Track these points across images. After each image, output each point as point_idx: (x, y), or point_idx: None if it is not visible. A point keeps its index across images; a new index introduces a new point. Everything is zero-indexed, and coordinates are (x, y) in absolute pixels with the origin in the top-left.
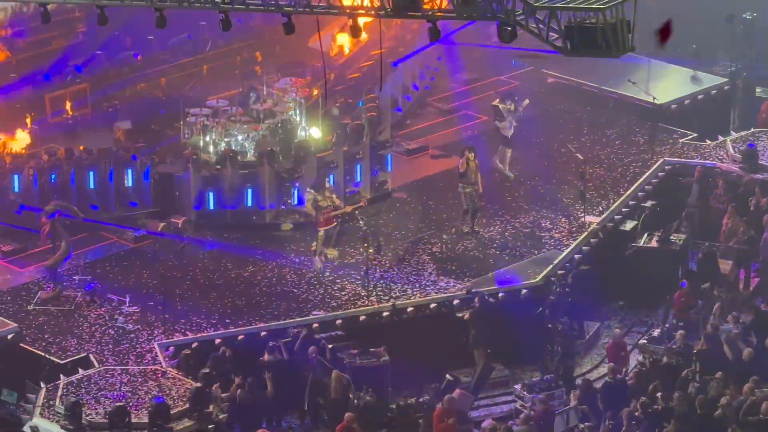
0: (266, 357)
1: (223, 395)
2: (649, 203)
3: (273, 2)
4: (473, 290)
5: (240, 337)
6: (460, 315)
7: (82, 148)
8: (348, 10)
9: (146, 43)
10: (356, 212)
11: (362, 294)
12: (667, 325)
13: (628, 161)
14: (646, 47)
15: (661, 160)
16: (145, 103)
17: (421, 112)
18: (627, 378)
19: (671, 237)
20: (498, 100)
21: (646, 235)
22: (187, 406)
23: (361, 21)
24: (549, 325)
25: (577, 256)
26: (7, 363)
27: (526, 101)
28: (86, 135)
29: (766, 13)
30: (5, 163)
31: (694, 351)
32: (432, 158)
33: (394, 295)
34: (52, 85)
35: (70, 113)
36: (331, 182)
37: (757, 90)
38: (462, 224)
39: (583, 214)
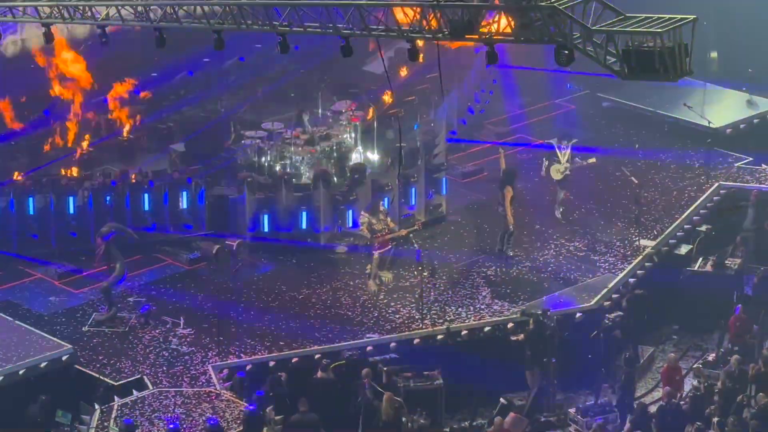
0: (320, 374)
1: (276, 418)
2: (704, 227)
3: (330, 25)
4: (531, 312)
5: (294, 360)
6: (514, 338)
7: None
8: (406, 33)
9: (202, 64)
10: (411, 235)
11: (416, 317)
12: (722, 350)
13: (683, 185)
14: (703, 71)
15: (717, 184)
16: (201, 125)
17: (477, 135)
18: (682, 402)
19: (726, 261)
20: (556, 139)
21: (701, 259)
22: (241, 428)
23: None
24: (608, 351)
25: (631, 280)
26: (61, 384)
27: (593, 159)
28: (142, 157)
29: None
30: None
31: (750, 375)
32: (487, 181)
33: (448, 318)
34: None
35: (126, 135)
36: (386, 205)
37: None
38: (506, 247)
39: (637, 238)
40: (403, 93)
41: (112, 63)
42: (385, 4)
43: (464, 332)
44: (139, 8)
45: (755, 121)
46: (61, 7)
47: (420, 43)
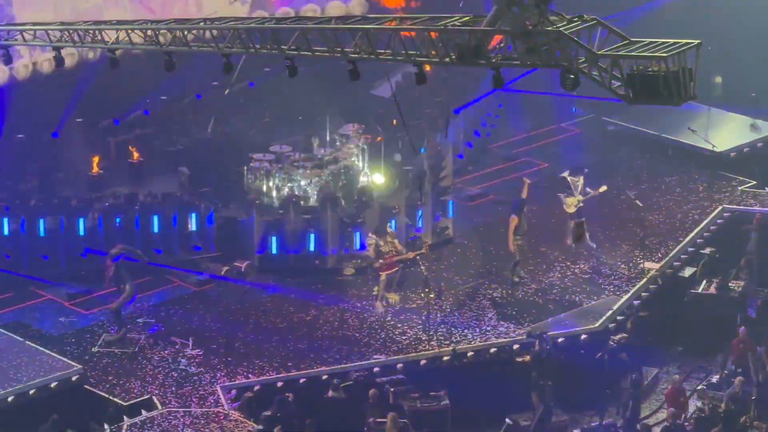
0: (330, 394)
1: None
2: (708, 250)
3: (338, 49)
4: (533, 335)
5: (302, 380)
6: (520, 359)
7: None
8: (413, 58)
9: (209, 88)
10: (418, 257)
11: (423, 338)
12: (725, 371)
13: (687, 208)
14: (707, 95)
15: (720, 207)
16: (209, 148)
17: (483, 158)
18: (686, 424)
19: (730, 284)
20: (568, 172)
21: (705, 281)
22: None
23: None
24: (613, 372)
25: (636, 302)
26: (71, 404)
27: (604, 187)
28: (151, 179)
29: None
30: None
31: (753, 397)
32: (493, 204)
33: (454, 340)
34: (119, 129)
35: (136, 157)
36: (393, 227)
37: None
38: (512, 274)
39: (642, 261)
40: (411, 116)
41: (122, 85)
42: (393, 28)
43: (470, 353)
44: (149, 32)
45: (759, 144)
46: (71, 31)
47: (427, 67)
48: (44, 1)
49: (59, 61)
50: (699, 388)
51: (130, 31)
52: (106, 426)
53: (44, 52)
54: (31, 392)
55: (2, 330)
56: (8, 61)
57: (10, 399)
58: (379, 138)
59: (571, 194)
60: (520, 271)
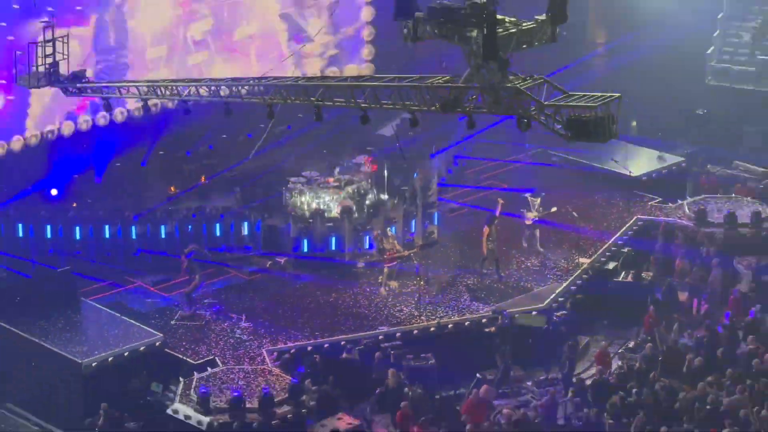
0: (344, 356)
1: (313, 388)
2: (626, 249)
3: (352, 100)
4: (497, 311)
5: (326, 345)
6: (487, 330)
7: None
8: (408, 107)
9: (258, 129)
10: (411, 254)
11: (415, 314)
12: (639, 339)
13: (610, 218)
14: (625, 134)
15: (635, 218)
16: (258, 173)
17: (461, 181)
18: (609, 378)
19: (642, 274)
20: (530, 195)
21: (623, 272)
22: (287, 395)
23: None
24: (555, 340)
25: (573, 288)
26: (155, 363)
27: (554, 209)
28: (214, 197)
29: (723, 109)
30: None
31: (659, 359)
32: (466, 216)
33: (438, 315)
34: (190, 159)
35: (203, 180)
36: (393, 232)
37: (708, 166)
38: (482, 268)
39: (577, 257)
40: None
41: (192, 127)
42: (393, 85)
43: (450, 326)
44: (212, 87)
45: (664, 171)
46: (155, 87)
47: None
48: (158, 59)
49: (146, 108)
50: (620, 351)
51: (198, 87)
52: (180, 379)
53: (138, 102)
54: (126, 354)
55: (104, 308)
56: (108, 108)
57: (110, 359)
58: (374, 167)
59: (530, 210)
60: (487, 266)
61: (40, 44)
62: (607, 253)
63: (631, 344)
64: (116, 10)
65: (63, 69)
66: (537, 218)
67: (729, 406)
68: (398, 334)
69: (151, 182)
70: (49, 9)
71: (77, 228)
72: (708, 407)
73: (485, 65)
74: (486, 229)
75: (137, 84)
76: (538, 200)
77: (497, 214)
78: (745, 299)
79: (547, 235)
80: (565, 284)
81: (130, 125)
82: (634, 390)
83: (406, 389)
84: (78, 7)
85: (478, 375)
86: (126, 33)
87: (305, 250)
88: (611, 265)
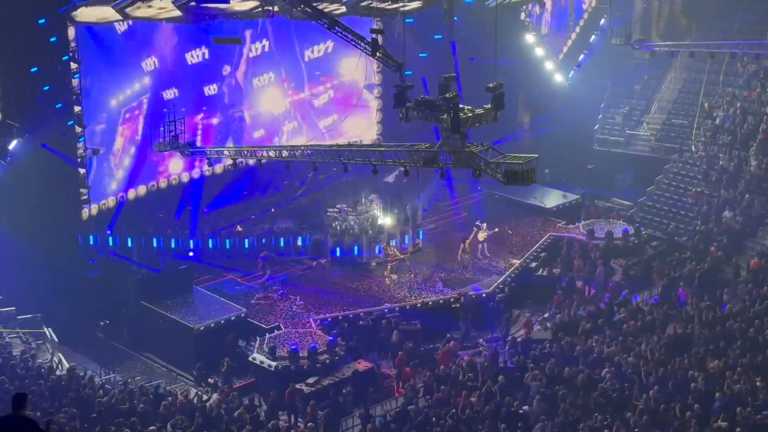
0: (362, 322)
1: (342, 343)
2: (542, 254)
3: (367, 159)
4: (461, 293)
5: (351, 315)
6: (454, 306)
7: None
8: (402, 163)
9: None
10: (405, 258)
11: (408, 296)
12: (551, 312)
13: (533, 235)
14: (541, 179)
15: (549, 234)
16: (307, 207)
17: (437, 210)
18: (532, 336)
19: (553, 270)
20: (479, 221)
21: (541, 269)
22: (326, 348)
23: None
24: (498, 312)
25: (508, 279)
26: (241, 327)
27: (496, 229)
28: (279, 220)
29: (604, 164)
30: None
31: (564, 324)
32: (442, 233)
33: (423, 297)
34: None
35: (273, 211)
36: (395, 243)
37: (595, 201)
38: (464, 272)
39: (511, 259)
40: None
41: (265, 177)
42: (393, 150)
43: (430, 303)
44: (278, 151)
45: (567, 204)
46: (238, 151)
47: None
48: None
49: (234, 164)
50: (539, 320)
51: (268, 151)
52: (257, 337)
53: (223, 162)
54: (222, 321)
55: (208, 292)
56: (210, 163)
57: (212, 325)
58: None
59: (480, 230)
60: (465, 271)
61: (167, 124)
62: (531, 257)
63: (546, 315)
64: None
65: (182, 139)
66: (485, 236)
67: (608, 354)
68: (397, 309)
69: (239, 212)
70: (182, 110)
71: (191, 241)
72: (594, 355)
73: (452, 136)
74: (461, 245)
75: (228, 148)
76: (485, 225)
77: (471, 237)
78: (618, 286)
79: (491, 246)
80: (503, 277)
81: (225, 176)
82: (547, 344)
83: (403, 344)
84: (204, 108)
85: (448, 335)
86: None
87: (338, 255)
88: (533, 265)
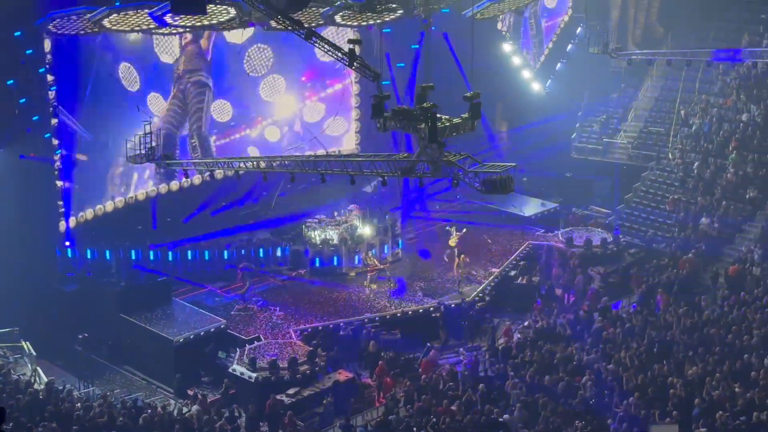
0: (342, 332)
1: (323, 353)
2: (522, 262)
3: (345, 169)
4: (440, 302)
5: (331, 326)
6: (434, 315)
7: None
8: (380, 173)
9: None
10: (384, 267)
11: (387, 305)
12: (531, 320)
13: (512, 243)
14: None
15: (527, 242)
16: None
17: (415, 220)
18: (512, 344)
19: (533, 278)
20: (449, 225)
21: (520, 277)
22: (306, 358)
23: None
24: (478, 321)
25: (488, 288)
26: (221, 338)
27: (465, 230)
28: (258, 232)
29: (582, 172)
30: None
31: (544, 332)
32: (419, 242)
33: (402, 306)
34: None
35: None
36: (374, 253)
37: (573, 209)
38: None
39: (490, 268)
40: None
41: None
42: (371, 159)
43: (410, 312)
44: (255, 163)
45: (545, 213)
46: (215, 163)
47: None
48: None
49: (212, 176)
50: (519, 328)
51: (246, 162)
52: (237, 349)
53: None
54: (201, 333)
55: (188, 304)
56: (186, 176)
57: (191, 337)
58: (356, 212)
59: (452, 235)
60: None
61: (141, 135)
62: (510, 265)
63: (526, 323)
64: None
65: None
66: (457, 240)
67: (587, 361)
68: (377, 318)
69: (218, 223)
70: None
71: (170, 253)
72: (574, 363)
73: (429, 146)
74: (457, 259)
75: (204, 160)
76: (454, 227)
77: (455, 244)
78: (597, 294)
79: (471, 255)
80: (483, 285)
81: (203, 187)
82: (527, 352)
83: (382, 353)
84: None
85: (428, 344)
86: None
87: (318, 265)
88: (513, 273)
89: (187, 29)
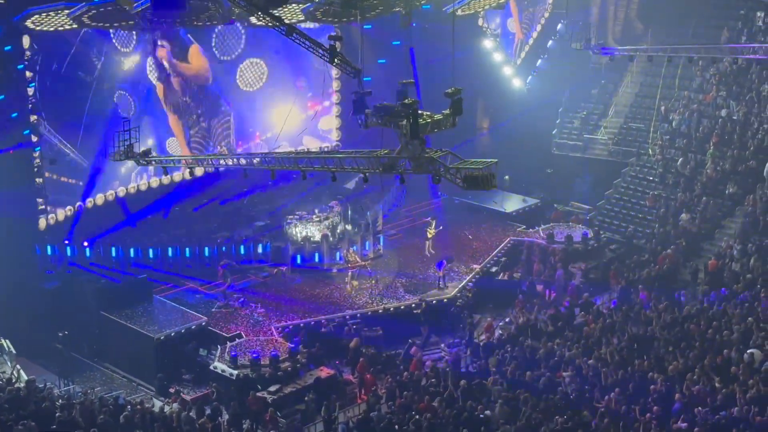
0: (323, 329)
1: (304, 350)
2: (503, 258)
3: (325, 165)
4: (421, 299)
5: (312, 322)
6: (416, 311)
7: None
8: (362, 170)
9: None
10: (366, 264)
11: (369, 302)
12: (512, 316)
13: (493, 239)
14: (501, 185)
15: (509, 239)
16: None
17: (396, 216)
18: (494, 340)
19: (514, 274)
20: (430, 218)
21: (502, 273)
22: (287, 355)
23: None
24: (460, 316)
25: (470, 284)
26: (202, 336)
27: (441, 227)
28: (240, 229)
29: (563, 168)
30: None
31: (525, 328)
32: (400, 239)
33: (385, 302)
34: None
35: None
36: (355, 249)
37: (554, 205)
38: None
39: (471, 264)
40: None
41: (226, 183)
42: (352, 156)
43: (392, 308)
44: (236, 159)
45: (526, 209)
46: (198, 160)
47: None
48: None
49: (192, 173)
50: (500, 324)
51: (227, 159)
52: (219, 346)
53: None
54: (182, 331)
55: (168, 301)
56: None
57: (172, 334)
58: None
59: (430, 228)
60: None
61: (120, 132)
62: (491, 262)
63: (507, 319)
64: None
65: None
66: (433, 234)
67: (569, 357)
68: (358, 315)
69: (199, 220)
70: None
71: (150, 249)
72: (556, 358)
73: (411, 142)
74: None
75: (184, 157)
76: (434, 222)
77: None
78: (578, 289)
79: (452, 250)
80: (464, 282)
81: (185, 184)
82: (509, 348)
83: (363, 350)
84: None
85: (410, 341)
86: None
87: (299, 262)
88: (494, 269)
89: (176, 22)
